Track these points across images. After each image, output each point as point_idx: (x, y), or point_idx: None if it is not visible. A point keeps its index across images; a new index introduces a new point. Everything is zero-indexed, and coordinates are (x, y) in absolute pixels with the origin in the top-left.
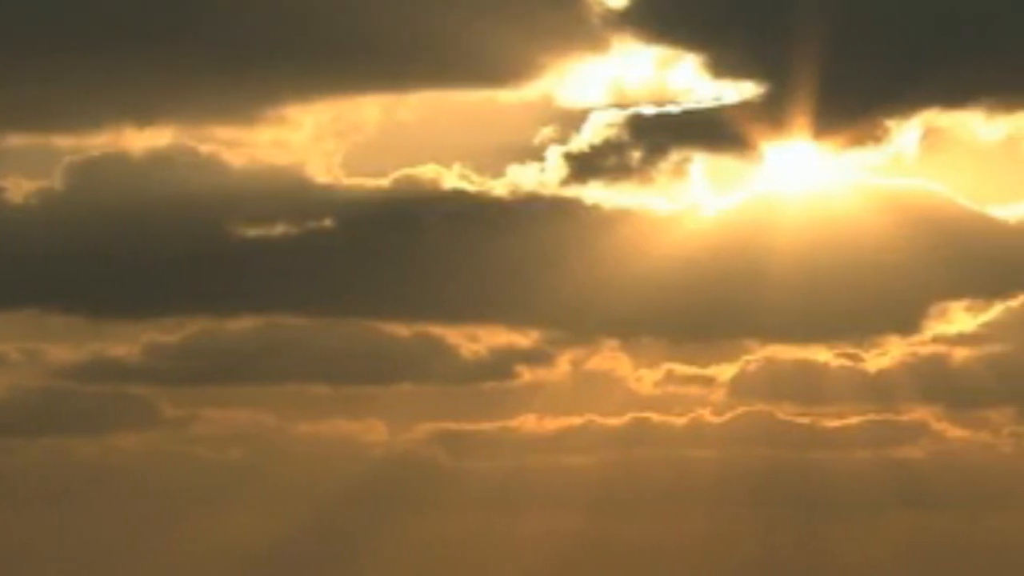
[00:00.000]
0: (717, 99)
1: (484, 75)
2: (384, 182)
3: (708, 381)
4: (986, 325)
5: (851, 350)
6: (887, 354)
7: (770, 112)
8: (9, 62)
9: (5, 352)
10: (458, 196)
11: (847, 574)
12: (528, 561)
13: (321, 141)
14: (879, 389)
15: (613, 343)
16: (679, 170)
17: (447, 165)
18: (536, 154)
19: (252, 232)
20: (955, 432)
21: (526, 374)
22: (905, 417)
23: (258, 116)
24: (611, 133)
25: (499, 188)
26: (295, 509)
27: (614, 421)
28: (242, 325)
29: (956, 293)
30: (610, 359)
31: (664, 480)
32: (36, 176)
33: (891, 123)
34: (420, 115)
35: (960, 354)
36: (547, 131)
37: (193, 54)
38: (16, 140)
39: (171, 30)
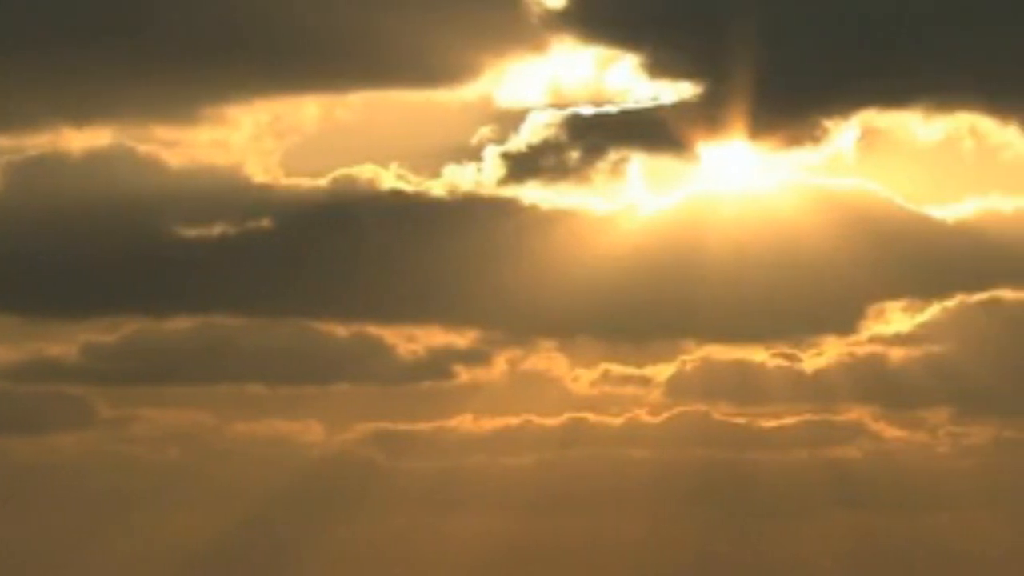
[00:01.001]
0: (655, 99)
1: (423, 75)
2: (322, 182)
3: (645, 381)
4: (923, 325)
5: (788, 350)
6: (824, 354)
7: (708, 112)
8: None
9: None
10: (396, 196)
11: (783, 574)
12: (465, 561)
13: (260, 141)
14: (816, 389)
15: (550, 343)
16: (617, 170)
17: (385, 165)
18: (474, 154)
19: (190, 232)
20: (892, 432)
21: (463, 374)
22: (842, 417)
23: (197, 116)
24: (549, 133)
25: (437, 188)
26: (232, 509)
27: (551, 421)
28: (179, 325)
29: (894, 293)
30: (547, 359)
31: (600, 480)
32: None
33: (829, 123)
34: (359, 115)
35: (897, 354)
36: (485, 131)
37: (132, 54)
38: None
39: (110, 30)
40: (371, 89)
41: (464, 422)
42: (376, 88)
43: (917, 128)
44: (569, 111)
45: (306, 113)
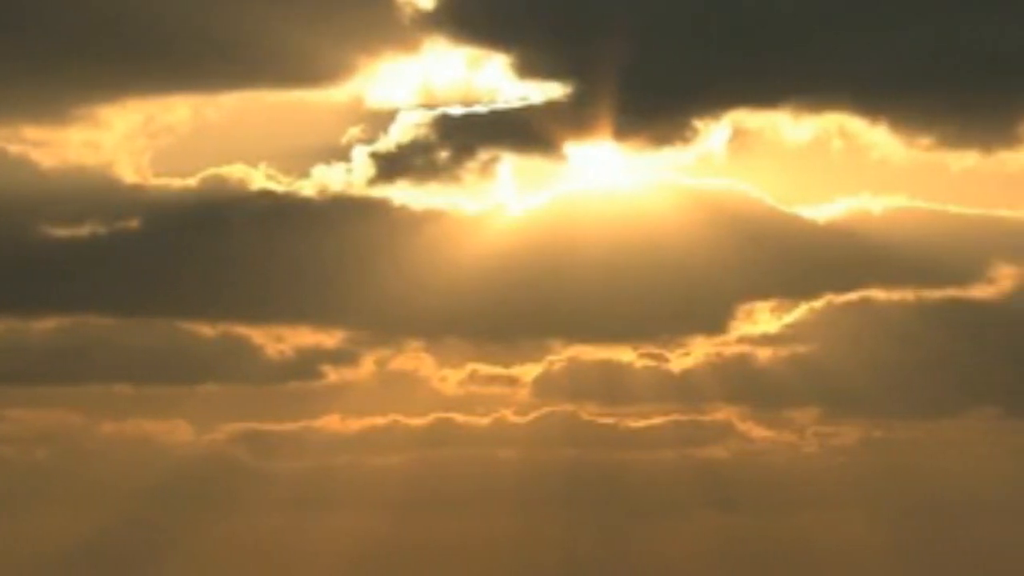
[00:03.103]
0: (524, 99)
1: (294, 75)
2: (191, 182)
3: (512, 381)
4: (790, 326)
5: (655, 350)
6: (691, 354)
7: (578, 112)
8: None
9: None
10: (265, 196)
11: (651, 574)
12: (332, 561)
13: (131, 141)
14: (684, 389)
15: (418, 343)
16: (486, 170)
17: (254, 165)
18: (343, 154)
19: (59, 232)
20: (759, 432)
21: (331, 374)
22: (709, 417)
23: (68, 116)
24: (418, 133)
25: (306, 188)
26: (100, 509)
27: (418, 421)
28: (48, 325)
29: (763, 293)
30: (414, 359)
31: (468, 480)
32: None
33: (699, 123)
34: (230, 115)
35: (765, 354)
36: (354, 131)
37: (1, 54)
38: None
39: None
40: (242, 89)
41: (331, 422)
42: (247, 88)
43: (787, 128)
44: (439, 111)
45: (177, 113)
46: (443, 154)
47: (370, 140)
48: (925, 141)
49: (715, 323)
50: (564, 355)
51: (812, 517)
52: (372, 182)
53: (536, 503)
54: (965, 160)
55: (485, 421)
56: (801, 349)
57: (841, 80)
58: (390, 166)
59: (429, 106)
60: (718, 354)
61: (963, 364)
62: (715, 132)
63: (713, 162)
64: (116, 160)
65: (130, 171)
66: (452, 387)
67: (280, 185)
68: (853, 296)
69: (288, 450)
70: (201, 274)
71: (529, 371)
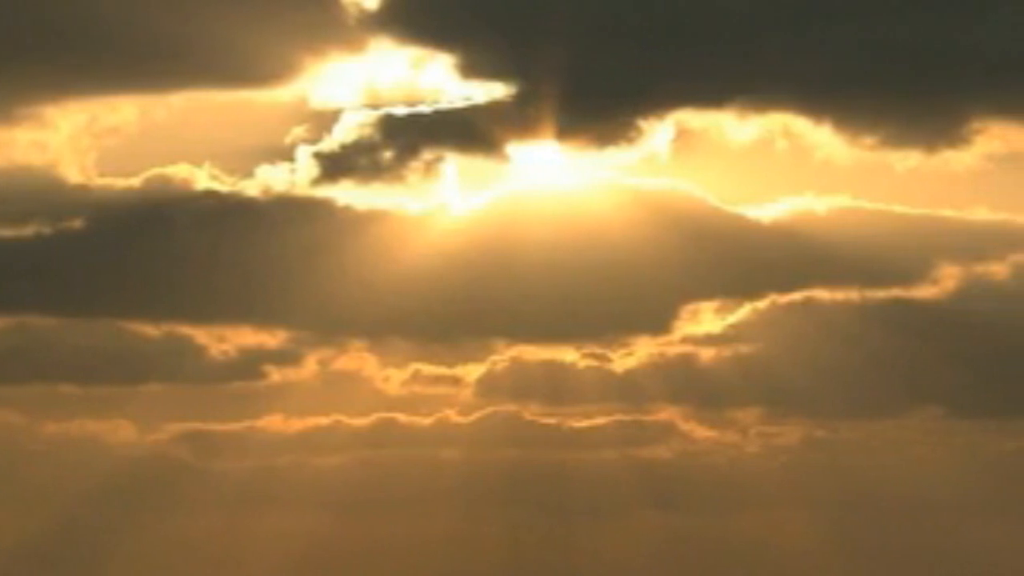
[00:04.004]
0: (468, 100)
1: (240, 76)
2: (135, 182)
3: (455, 381)
4: (734, 326)
5: (598, 350)
6: (634, 354)
7: (522, 112)
8: None
9: None
10: (209, 196)
11: (594, 573)
12: (275, 560)
13: (76, 141)
14: (626, 389)
15: (360, 343)
16: (430, 170)
17: (198, 165)
18: (287, 154)
19: (3, 232)
20: (702, 432)
21: (274, 374)
22: (652, 417)
23: (13, 116)
24: (362, 133)
25: (251, 188)
26: (42, 508)
27: (361, 421)
28: None
29: (708, 294)
30: (357, 359)
31: (411, 480)
32: None
33: (643, 123)
34: (175, 115)
35: (708, 354)
36: (298, 131)
37: None
38: None
39: None
40: (187, 89)
41: (274, 422)
42: (192, 88)
43: (731, 128)
44: (383, 111)
45: (124, 114)
46: (387, 154)
47: (314, 140)
48: (869, 141)
49: (659, 323)
50: (507, 355)
51: (755, 517)
52: (316, 182)
53: (479, 503)
54: (909, 160)
55: (428, 421)
56: (744, 349)
57: (785, 80)
58: (334, 166)
59: (373, 106)
60: (661, 354)
61: (906, 364)
62: (659, 132)
63: (657, 162)
64: (61, 160)
65: (75, 171)
66: (395, 387)
67: (224, 185)
68: (797, 296)
69: (231, 450)
70: (145, 274)
71: (472, 371)
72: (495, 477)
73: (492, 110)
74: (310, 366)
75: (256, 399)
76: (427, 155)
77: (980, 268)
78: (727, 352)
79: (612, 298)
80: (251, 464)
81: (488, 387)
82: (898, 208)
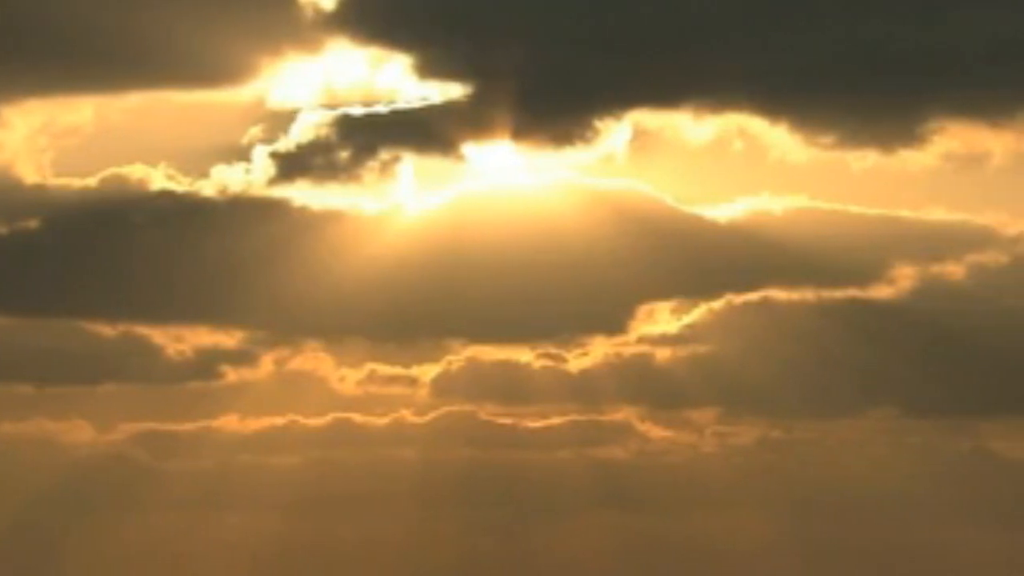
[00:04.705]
0: (425, 100)
1: (196, 76)
2: (91, 182)
3: (411, 381)
4: (690, 326)
5: (554, 350)
6: (590, 355)
7: (479, 113)
8: None
9: None
10: (165, 196)
11: (549, 574)
12: (230, 561)
13: (32, 141)
14: (582, 389)
15: (316, 343)
16: (387, 170)
17: (154, 165)
18: (243, 154)
19: None
20: (658, 432)
21: (230, 374)
22: (608, 417)
23: None
24: (319, 133)
25: (207, 188)
26: None
27: (316, 421)
28: None
29: (664, 294)
30: (313, 359)
31: (366, 480)
32: None
33: (600, 124)
34: (132, 116)
35: (664, 354)
36: (255, 131)
37: None
38: None
39: None
40: (144, 90)
41: (230, 422)
42: (149, 89)
43: (687, 128)
44: (339, 111)
45: (79, 114)
46: (343, 154)
47: (270, 140)
48: (825, 141)
49: (615, 323)
50: (463, 355)
51: (711, 517)
52: (272, 182)
53: (434, 503)
54: (865, 160)
55: (383, 421)
56: (701, 349)
57: (741, 80)
58: (290, 166)
59: (330, 106)
60: (617, 354)
61: (862, 364)
62: (615, 132)
63: (613, 162)
64: (17, 160)
65: (31, 171)
66: (351, 387)
67: (180, 185)
68: (753, 296)
69: (187, 450)
70: (101, 274)
71: (428, 371)
72: (451, 477)
73: (449, 110)
74: (266, 366)
75: (212, 399)
76: (384, 155)
77: (937, 268)
78: (683, 352)
79: (568, 298)
80: (207, 464)
81: (444, 387)
82: (854, 208)
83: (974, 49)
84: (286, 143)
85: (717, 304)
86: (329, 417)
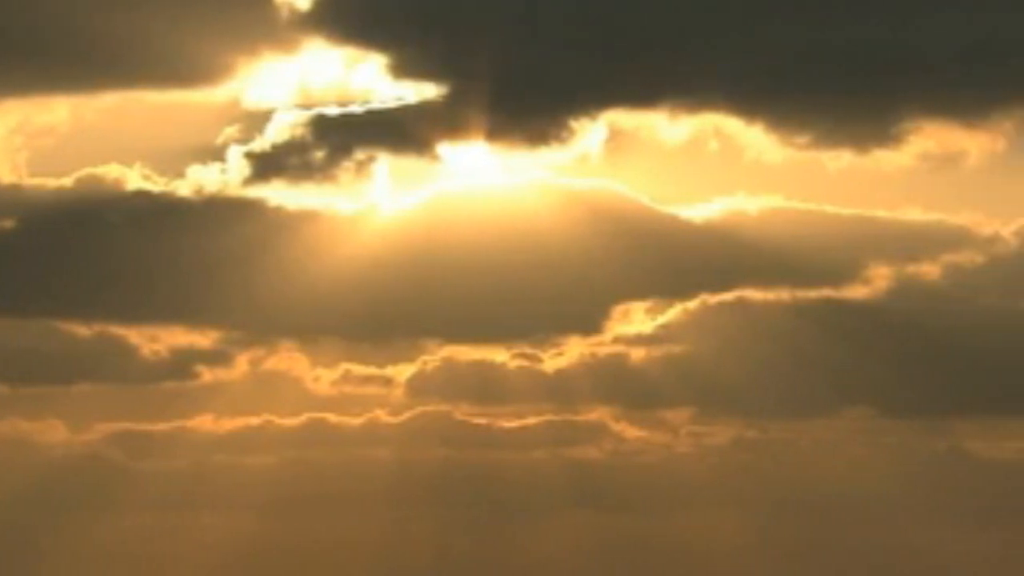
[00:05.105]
0: (400, 100)
1: (171, 76)
2: (67, 182)
3: (386, 381)
4: (665, 326)
5: (529, 350)
6: (565, 355)
7: (454, 113)
8: None
9: None
10: (141, 196)
11: (525, 573)
12: (206, 560)
13: (7, 141)
14: (557, 389)
15: (291, 343)
16: (362, 170)
17: (130, 165)
18: (218, 154)
19: None
20: (633, 432)
21: (205, 374)
22: (583, 417)
23: None
24: (294, 133)
25: (182, 188)
26: None
27: (291, 421)
28: None
29: (640, 294)
30: (288, 359)
31: (341, 480)
32: None
33: (575, 123)
34: (107, 116)
35: (639, 354)
36: (230, 131)
37: None
38: None
39: None
40: (119, 90)
41: (205, 422)
42: (124, 89)
43: (663, 128)
44: (315, 111)
45: (54, 114)
46: (319, 154)
47: (246, 140)
48: (801, 141)
49: (590, 323)
50: (438, 355)
51: (686, 517)
52: (247, 182)
53: (409, 503)
54: (840, 160)
55: (358, 421)
56: (676, 349)
57: (717, 80)
58: (265, 166)
59: (305, 106)
60: (592, 354)
61: (837, 364)
62: (591, 132)
63: (589, 162)
64: None
65: (6, 171)
66: (325, 387)
67: (155, 185)
68: (728, 296)
69: (162, 450)
70: (76, 274)
71: (403, 371)
72: (426, 477)
73: (424, 110)
74: (241, 366)
75: (187, 399)
76: (359, 155)
77: (912, 268)
78: (658, 352)
79: (543, 298)
80: (181, 464)
81: (419, 387)
82: (830, 208)
83: (949, 49)
84: (261, 143)
85: (692, 304)
86: (304, 417)
